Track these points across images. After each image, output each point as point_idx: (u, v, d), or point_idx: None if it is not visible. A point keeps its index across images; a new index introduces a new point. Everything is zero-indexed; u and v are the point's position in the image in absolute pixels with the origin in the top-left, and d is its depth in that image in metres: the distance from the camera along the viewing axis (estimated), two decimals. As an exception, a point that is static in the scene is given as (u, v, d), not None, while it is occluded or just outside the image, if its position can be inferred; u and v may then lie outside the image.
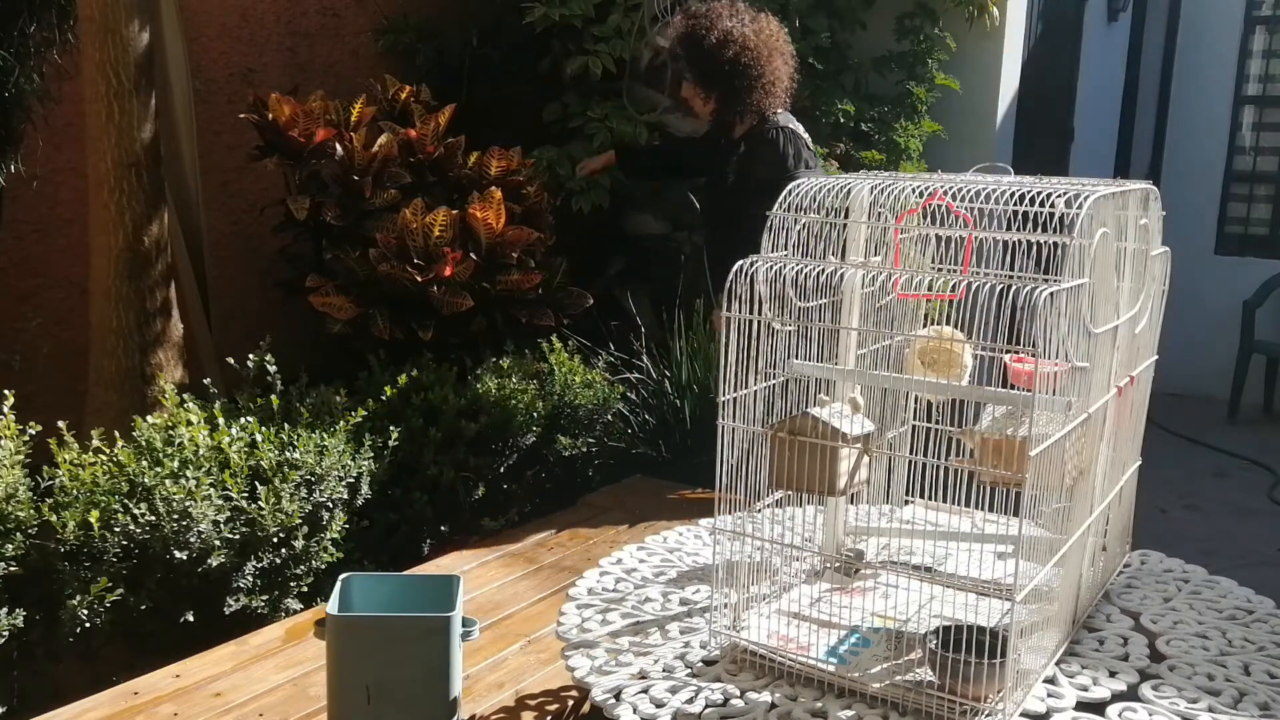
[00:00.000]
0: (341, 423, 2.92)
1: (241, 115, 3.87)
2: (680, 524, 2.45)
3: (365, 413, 2.99)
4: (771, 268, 1.72)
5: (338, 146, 3.74)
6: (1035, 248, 1.65)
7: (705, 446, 3.35)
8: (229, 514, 2.56)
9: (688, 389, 3.74)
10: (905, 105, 4.50)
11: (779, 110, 3.44)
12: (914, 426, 2.05)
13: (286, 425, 2.84)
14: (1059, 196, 1.62)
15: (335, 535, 2.82)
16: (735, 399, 1.76)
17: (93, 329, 3.20)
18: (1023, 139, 5.10)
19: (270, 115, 3.71)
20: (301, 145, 3.73)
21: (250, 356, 3.00)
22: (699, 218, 4.26)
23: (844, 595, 1.93)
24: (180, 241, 3.73)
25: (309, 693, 2.16)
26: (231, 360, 3.09)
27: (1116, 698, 1.67)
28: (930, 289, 1.74)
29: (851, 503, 2.04)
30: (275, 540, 2.68)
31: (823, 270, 1.75)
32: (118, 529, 2.44)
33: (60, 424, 2.59)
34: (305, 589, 2.77)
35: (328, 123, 3.79)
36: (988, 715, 1.57)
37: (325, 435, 2.83)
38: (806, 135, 3.49)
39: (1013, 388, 1.72)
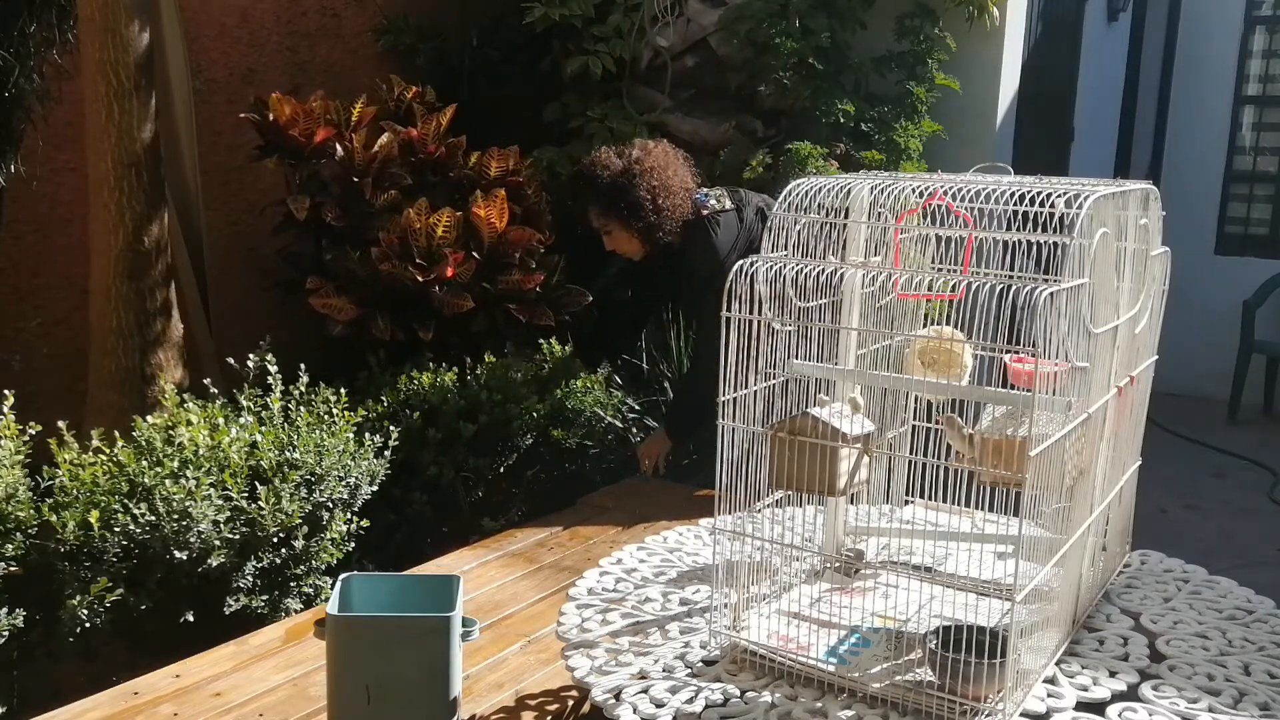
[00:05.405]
0: (341, 423, 2.92)
1: (242, 115, 3.87)
2: (680, 524, 2.45)
3: (365, 413, 2.99)
4: (771, 268, 1.72)
5: (338, 147, 3.74)
6: (1035, 248, 1.65)
7: (705, 446, 3.35)
8: (229, 514, 2.56)
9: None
10: (905, 105, 4.49)
11: (707, 195, 3.38)
12: (914, 426, 2.05)
13: (286, 425, 2.84)
14: (1059, 196, 1.62)
15: (335, 535, 2.82)
16: (735, 399, 1.76)
17: (93, 329, 3.20)
18: (1023, 139, 5.09)
19: (271, 115, 3.71)
20: (302, 145, 3.73)
21: (250, 356, 3.00)
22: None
23: (844, 595, 1.93)
24: (180, 241, 3.73)
25: (309, 693, 2.16)
26: (231, 360, 3.09)
27: (1116, 698, 1.67)
28: (930, 289, 1.74)
29: (851, 503, 2.04)
30: (275, 540, 2.68)
31: (823, 270, 1.75)
32: (118, 529, 2.44)
33: (60, 424, 2.59)
34: (305, 589, 2.77)
35: (328, 123, 3.79)
36: (988, 715, 1.57)
37: (325, 435, 2.83)
38: (745, 192, 3.44)
39: (1013, 388, 1.72)
